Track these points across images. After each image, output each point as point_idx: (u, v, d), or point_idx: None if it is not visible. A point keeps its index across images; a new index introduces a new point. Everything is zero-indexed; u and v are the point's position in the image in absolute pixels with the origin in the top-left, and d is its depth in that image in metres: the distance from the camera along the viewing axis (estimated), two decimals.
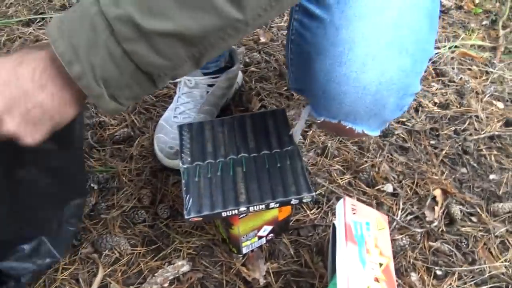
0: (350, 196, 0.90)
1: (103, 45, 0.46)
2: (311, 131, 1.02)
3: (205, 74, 0.94)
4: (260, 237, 0.80)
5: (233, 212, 0.69)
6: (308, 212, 0.87)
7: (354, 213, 0.72)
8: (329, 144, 0.99)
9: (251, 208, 0.69)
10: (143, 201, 0.89)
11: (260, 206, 0.69)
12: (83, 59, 0.46)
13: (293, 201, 0.70)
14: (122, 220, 0.86)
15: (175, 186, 0.92)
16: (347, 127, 0.63)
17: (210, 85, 0.96)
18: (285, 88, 1.12)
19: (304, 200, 0.70)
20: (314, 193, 0.70)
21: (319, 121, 0.65)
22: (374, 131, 0.65)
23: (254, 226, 0.77)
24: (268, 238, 0.82)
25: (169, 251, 0.82)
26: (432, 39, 0.65)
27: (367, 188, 0.92)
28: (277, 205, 0.70)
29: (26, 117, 0.48)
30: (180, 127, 0.82)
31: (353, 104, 0.60)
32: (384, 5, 0.58)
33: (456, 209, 0.87)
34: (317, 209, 0.88)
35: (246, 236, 0.77)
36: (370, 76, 0.58)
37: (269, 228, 0.80)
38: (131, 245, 0.82)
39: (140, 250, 0.82)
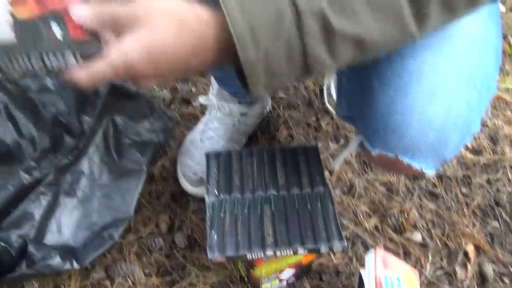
0: (377, 242, 0.86)
1: (285, 35, 0.42)
2: (339, 167, 0.99)
3: (240, 102, 0.91)
4: (281, 280, 0.76)
5: (259, 255, 0.65)
6: (332, 256, 0.83)
7: (385, 267, 0.68)
8: (356, 183, 0.95)
9: (278, 253, 0.65)
10: (160, 227, 0.85)
11: (288, 251, 0.66)
12: (260, 43, 0.42)
13: (323, 249, 0.66)
14: (138, 247, 0.82)
15: (195, 214, 0.88)
16: (404, 163, 0.59)
17: (243, 114, 0.93)
18: (314, 118, 1.09)
19: (335, 250, 0.66)
20: (345, 243, 0.66)
21: (373, 154, 0.61)
22: (431, 169, 0.61)
23: (277, 269, 0.73)
24: (289, 281, 0.78)
25: (184, 284, 0.78)
26: (496, 77, 0.61)
27: (394, 235, 0.88)
28: (305, 251, 0.66)
29: (162, 73, 0.45)
30: (208, 156, 0.78)
31: (415, 138, 0.56)
32: (453, 35, 0.55)
33: (489, 268, 0.82)
34: (341, 253, 0.84)
35: (268, 278, 0.74)
36: (437, 109, 0.55)
37: (292, 271, 0.76)
38: (145, 274, 0.79)
39: (154, 280, 0.78)
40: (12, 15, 0.44)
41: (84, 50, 0.43)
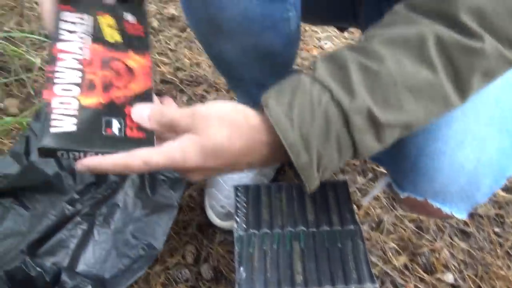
0: (407, 282, 0.84)
1: (334, 135, 0.45)
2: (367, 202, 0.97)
3: None
4: None
5: None
6: None
7: None
8: (385, 219, 0.94)
9: None
10: (187, 258, 0.85)
11: None
12: (313, 149, 0.45)
13: None
14: (165, 277, 0.82)
15: (221, 245, 0.88)
16: (434, 207, 0.58)
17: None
18: None
19: None
20: (377, 285, 0.65)
21: (401, 197, 0.61)
22: (461, 214, 0.60)
23: None
24: None
25: None
26: None
27: (425, 275, 0.86)
28: None
29: (212, 170, 0.49)
30: (236, 189, 0.79)
31: (446, 182, 0.56)
32: None
33: None
34: None
35: None
36: (468, 153, 0.54)
37: None
38: None
39: None
40: (79, 101, 0.49)
41: (136, 147, 0.46)
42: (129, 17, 0.59)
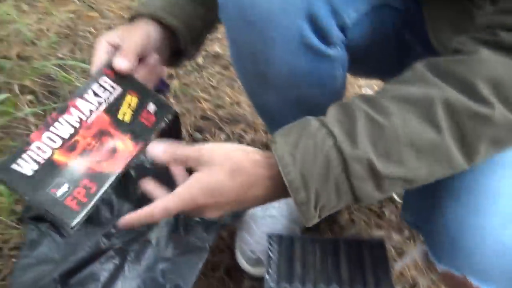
0: None
1: (333, 178, 0.47)
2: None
3: None
4: None
5: None
6: None
7: None
8: (419, 282, 0.90)
9: None
10: None
11: None
12: (311, 188, 0.48)
13: None
14: None
15: None
16: (474, 285, 0.55)
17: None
18: (378, 204, 1.06)
19: None
20: None
21: (438, 268, 0.58)
22: None
23: None
24: None
25: None
26: None
27: None
28: None
29: (222, 206, 0.53)
30: (270, 237, 0.78)
31: (487, 261, 0.54)
32: None
33: None
34: None
35: None
36: None
37: None
38: None
39: None
40: (52, 154, 0.54)
41: (59, 214, 0.52)
42: (151, 107, 0.61)
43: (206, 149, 0.53)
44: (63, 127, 0.55)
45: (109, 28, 1.55)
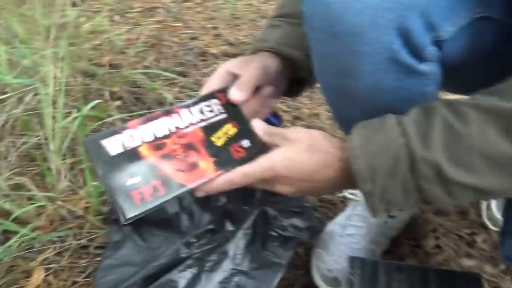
0: None
1: (400, 175, 0.49)
2: None
3: None
4: None
5: None
6: None
7: None
8: None
9: None
10: None
11: None
12: (378, 182, 0.50)
13: None
14: None
15: None
16: None
17: (391, 216, 0.88)
18: (468, 230, 0.98)
19: None
20: None
21: None
22: None
23: None
24: None
25: None
26: None
27: None
28: None
29: (294, 180, 0.57)
30: (352, 260, 0.75)
31: None
32: None
33: None
34: None
35: None
36: None
37: None
38: None
39: None
40: (140, 146, 0.56)
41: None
42: (245, 143, 0.61)
43: (290, 129, 0.59)
44: (160, 126, 0.57)
45: (192, 38, 1.60)
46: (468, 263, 0.91)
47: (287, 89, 0.75)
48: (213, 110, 0.61)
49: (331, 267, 0.85)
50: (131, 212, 0.51)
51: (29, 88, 1.16)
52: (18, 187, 1.01)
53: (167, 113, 0.58)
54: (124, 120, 1.22)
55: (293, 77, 0.75)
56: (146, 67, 1.42)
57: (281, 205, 0.85)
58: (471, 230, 0.97)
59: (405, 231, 0.96)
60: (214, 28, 1.66)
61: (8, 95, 1.14)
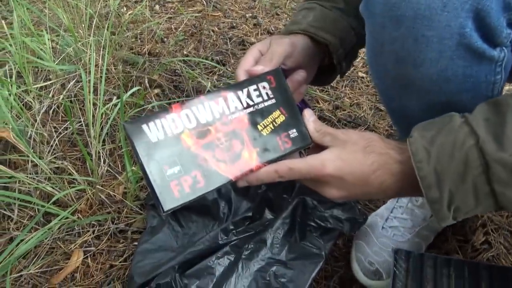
0: None
1: (471, 180, 0.45)
2: None
3: None
4: None
5: None
6: None
7: None
8: None
9: None
10: None
11: None
12: (445, 187, 0.46)
13: None
14: None
15: None
16: None
17: None
18: None
19: None
20: None
21: None
22: None
23: None
24: None
25: None
26: None
27: None
28: None
29: (345, 184, 0.53)
30: (396, 252, 0.71)
31: None
32: None
33: None
34: None
35: None
36: None
37: None
38: None
39: None
40: (182, 132, 0.53)
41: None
42: (293, 133, 0.57)
43: (342, 130, 0.55)
44: (204, 111, 0.53)
45: (231, 27, 1.59)
46: None
47: (315, 77, 0.71)
48: (262, 94, 0.56)
49: (372, 260, 0.82)
50: (169, 204, 0.49)
51: (71, 75, 1.19)
52: (59, 171, 1.03)
53: (213, 97, 0.54)
54: (163, 108, 1.23)
55: (322, 64, 0.71)
56: (185, 55, 1.42)
57: (321, 196, 0.82)
58: None
59: (452, 226, 0.90)
60: (253, 17, 1.64)
61: (52, 81, 1.17)
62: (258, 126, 0.55)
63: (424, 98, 0.59)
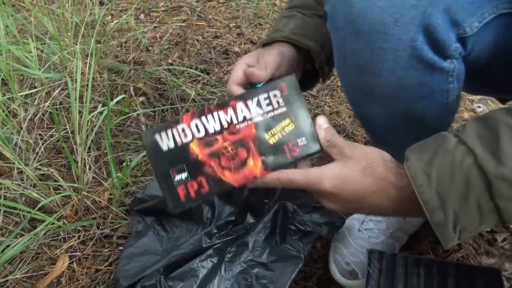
0: None
1: (474, 199, 0.45)
2: None
3: None
4: None
5: None
6: None
7: None
8: None
9: None
10: None
11: None
12: (449, 209, 0.46)
13: None
14: None
15: None
16: None
17: None
18: (488, 229, 0.97)
19: None
20: None
21: None
22: None
23: None
24: None
25: None
26: None
27: None
28: None
29: (342, 199, 0.55)
30: (370, 253, 0.75)
31: None
32: None
33: None
34: None
35: None
36: None
37: None
38: None
39: None
40: (191, 141, 0.57)
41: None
42: (302, 141, 0.57)
43: (350, 143, 0.55)
44: (213, 121, 0.56)
45: (215, 36, 1.63)
46: (487, 261, 0.90)
47: (302, 81, 0.73)
48: (272, 102, 0.57)
49: (349, 260, 0.86)
50: (176, 208, 0.55)
51: (57, 83, 1.21)
52: (45, 177, 1.05)
53: (222, 106, 0.56)
54: (148, 115, 1.26)
55: (305, 70, 0.74)
56: (170, 64, 1.45)
57: (301, 201, 0.86)
58: (492, 229, 0.96)
59: (425, 227, 0.95)
60: (237, 27, 1.68)
61: (37, 89, 1.18)
62: (266, 135, 0.57)
63: (386, 105, 0.63)
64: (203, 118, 0.56)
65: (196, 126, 0.56)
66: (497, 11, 0.59)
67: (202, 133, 0.56)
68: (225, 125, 0.56)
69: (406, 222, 0.88)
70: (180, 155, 0.55)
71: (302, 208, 0.86)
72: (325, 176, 0.53)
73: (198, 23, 1.69)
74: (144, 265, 0.80)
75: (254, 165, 0.56)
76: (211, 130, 0.56)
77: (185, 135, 0.56)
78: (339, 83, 1.40)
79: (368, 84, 0.61)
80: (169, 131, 0.56)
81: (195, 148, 0.56)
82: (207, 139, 0.56)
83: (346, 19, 0.56)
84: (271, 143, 0.57)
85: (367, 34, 0.55)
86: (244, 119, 0.57)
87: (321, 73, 0.74)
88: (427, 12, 0.53)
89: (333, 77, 1.40)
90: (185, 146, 0.55)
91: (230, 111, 0.57)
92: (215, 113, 0.56)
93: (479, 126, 0.47)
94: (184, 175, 0.55)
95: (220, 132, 0.56)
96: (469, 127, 0.48)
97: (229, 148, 0.56)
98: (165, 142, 0.55)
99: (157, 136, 0.55)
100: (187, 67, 1.43)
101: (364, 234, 0.89)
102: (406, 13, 0.53)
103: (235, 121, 0.57)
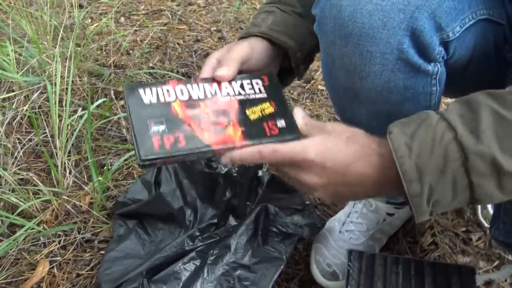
0: None
1: (450, 173, 0.47)
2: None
3: (388, 202, 0.89)
4: None
5: None
6: None
7: None
8: None
9: None
10: None
11: None
12: (425, 181, 0.47)
13: None
14: None
15: None
16: None
17: (390, 214, 0.90)
18: (463, 228, 1.00)
19: None
20: None
21: None
22: None
23: None
24: None
25: None
26: None
27: None
28: None
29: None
30: (350, 253, 0.77)
31: None
32: None
33: None
34: None
35: None
36: None
37: None
38: None
39: None
40: (174, 101, 0.57)
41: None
42: (281, 122, 0.58)
43: (330, 123, 0.58)
44: (198, 90, 0.58)
45: (197, 40, 1.63)
46: (463, 259, 0.92)
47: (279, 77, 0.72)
48: (254, 88, 0.60)
49: (330, 261, 0.87)
50: (146, 155, 0.51)
51: (36, 86, 1.19)
52: (24, 182, 1.03)
53: (208, 81, 0.59)
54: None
55: (281, 67, 0.74)
56: (151, 67, 1.44)
57: (283, 203, 0.88)
58: (467, 228, 0.99)
59: (403, 228, 0.98)
60: (218, 31, 1.68)
61: (16, 93, 1.17)
62: (247, 111, 0.58)
63: (371, 107, 0.65)
64: (189, 85, 0.58)
65: (181, 91, 0.57)
66: (476, 17, 0.62)
67: (186, 97, 0.57)
68: (209, 96, 0.58)
69: (386, 223, 0.90)
70: (161, 111, 0.55)
71: (284, 210, 0.87)
72: (309, 145, 0.53)
73: (179, 27, 1.69)
74: (127, 269, 0.80)
75: (234, 134, 0.55)
76: (194, 97, 0.57)
77: (169, 95, 0.56)
78: (319, 87, 1.43)
79: (355, 87, 0.63)
80: (153, 88, 0.56)
81: (177, 107, 0.56)
82: (190, 102, 0.57)
83: (335, 23, 0.58)
84: (251, 119, 0.58)
85: (356, 38, 0.57)
86: (228, 94, 0.59)
87: (297, 71, 0.74)
88: (414, 16, 0.55)
89: (313, 81, 1.43)
90: (167, 104, 0.56)
91: (215, 86, 0.59)
92: (200, 84, 0.58)
93: (461, 106, 0.49)
94: (161, 128, 0.54)
95: (203, 100, 0.57)
96: (451, 107, 0.50)
97: (211, 114, 0.57)
98: (148, 97, 0.56)
99: (140, 90, 0.56)
100: (168, 70, 1.43)
101: (345, 235, 0.90)
102: (394, 17, 0.55)
103: (219, 94, 0.58)
